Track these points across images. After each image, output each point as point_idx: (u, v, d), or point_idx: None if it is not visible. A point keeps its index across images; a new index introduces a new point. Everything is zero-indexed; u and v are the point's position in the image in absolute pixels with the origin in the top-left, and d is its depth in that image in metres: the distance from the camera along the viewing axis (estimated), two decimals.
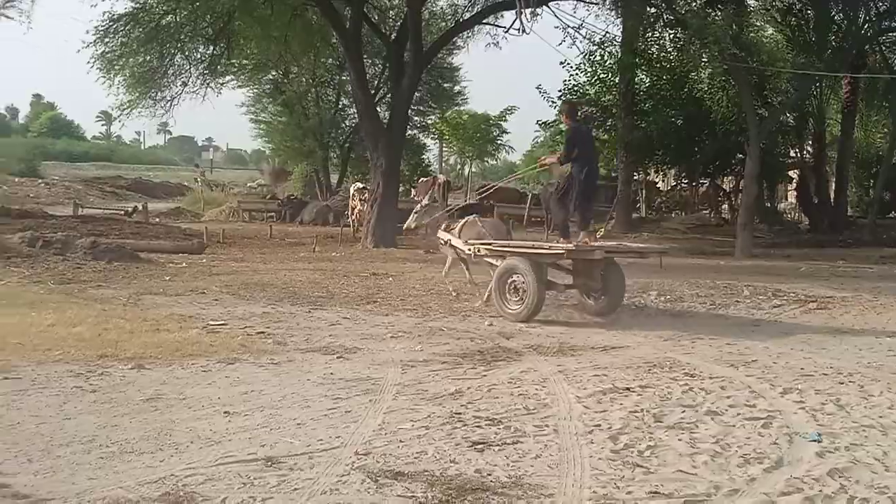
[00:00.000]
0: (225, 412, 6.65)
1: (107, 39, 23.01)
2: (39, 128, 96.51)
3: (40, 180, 44.60)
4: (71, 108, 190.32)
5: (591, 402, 7.13)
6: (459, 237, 12.95)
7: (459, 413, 6.66)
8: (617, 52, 30.17)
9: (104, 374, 7.80)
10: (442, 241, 13.44)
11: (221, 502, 4.80)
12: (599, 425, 6.43)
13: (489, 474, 5.32)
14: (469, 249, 12.61)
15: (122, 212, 28.85)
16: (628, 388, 7.63)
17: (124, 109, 25.42)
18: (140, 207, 29.65)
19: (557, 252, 11.56)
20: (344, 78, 36.91)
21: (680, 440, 6.11)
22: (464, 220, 13.37)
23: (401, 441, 5.94)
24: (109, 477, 5.19)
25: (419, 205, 14.47)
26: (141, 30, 22.91)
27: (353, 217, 25.75)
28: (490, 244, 12.40)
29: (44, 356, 8.35)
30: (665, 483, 5.25)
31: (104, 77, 23.80)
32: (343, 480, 5.15)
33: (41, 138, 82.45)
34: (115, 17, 22.98)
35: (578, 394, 7.39)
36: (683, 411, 6.88)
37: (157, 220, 28.98)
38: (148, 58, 24.07)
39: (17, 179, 42.88)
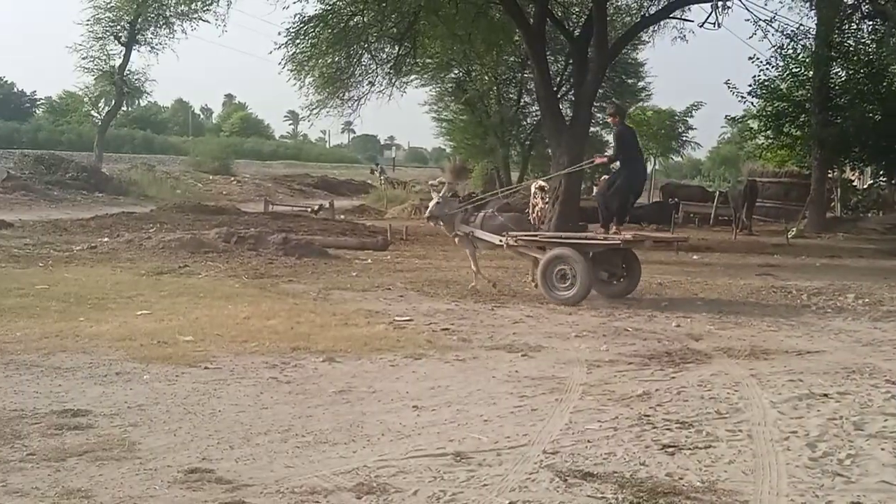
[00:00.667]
0: (413, 406, 6.82)
1: (297, 41, 23.88)
2: (231, 127, 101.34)
3: (233, 178, 46.74)
4: (260, 107, 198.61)
5: (787, 407, 6.90)
6: (482, 229, 13.88)
7: (648, 415, 6.57)
8: (811, 45, 28.93)
9: (297, 367, 8.13)
10: (462, 234, 14.05)
11: (413, 494, 4.92)
12: (796, 432, 6.22)
13: (681, 478, 5.24)
14: (509, 241, 13.42)
15: (310, 209, 29.86)
16: (825, 395, 7.33)
17: (313, 109, 26.35)
18: (326, 205, 30.62)
19: (614, 242, 12.90)
20: (526, 75, 37.00)
21: (882, 449, 5.84)
22: (482, 213, 14.34)
23: (589, 441, 5.92)
24: (305, 466, 5.41)
25: (437, 196, 14.57)
26: (330, 31, 23.64)
27: (535, 215, 25.76)
28: (535, 236, 13.94)
29: (241, 347, 8.78)
30: (867, 493, 5.04)
31: (295, 78, 24.73)
32: (532, 478, 5.18)
33: (233, 137, 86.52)
34: (306, 19, 23.83)
35: (773, 399, 7.16)
36: (886, 420, 6.56)
37: (342, 217, 29.84)
38: (336, 58, 24.82)
39: (211, 177, 45.11)
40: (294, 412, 6.60)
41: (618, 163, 13.88)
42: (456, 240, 14.41)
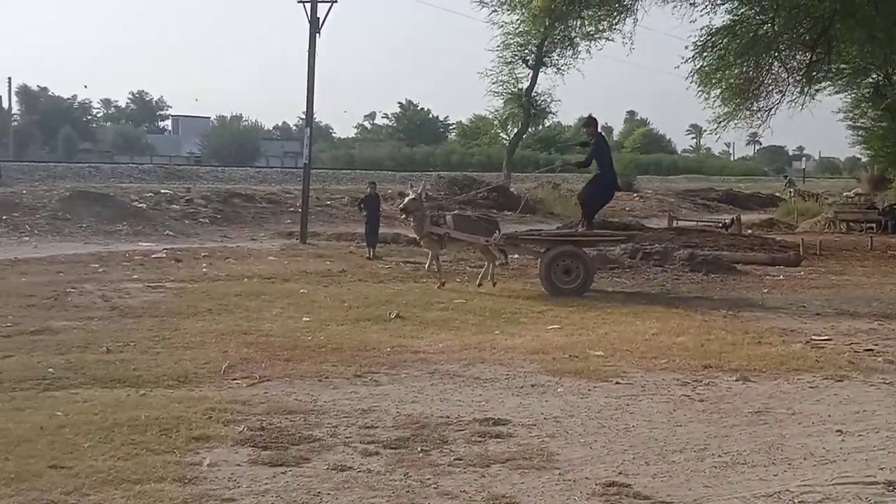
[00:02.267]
0: (837, 430, 6.48)
1: (704, 54, 23.62)
2: (633, 143, 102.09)
3: (635, 194, 47.03)
4: (662, 123, 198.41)
5: None
6: (455, 229, 14.36)
7: None
8: None
9: (710, 385, 8.02)
10: (430, 235, 14.41)
11: None
12: None
13: None
14: (498, 241, 14.34)
15: (717, 224, 29.29)
16: None
17: (720, 122, 25.87)
18: (734, 219, 29.86)
19: (623, 237, 17.22)
20: None
21: None
22: (450, 215, 14.91)
23: None
24: (724, 486, 5.33)
25: (413, 192, 15.01)
26: (738, 42, 23.15)
27: None
28: (539, 233, 15.83)
29: (651, 364, 8.82)
30: None
31: (701, 91, 24.46)
32: None
33: (634, 153, 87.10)
34: (713, 31, 23.51)
35: None
36: None
37: (750, 231, 28.93)
38: (744, 69, 24.23)
39: (615, 193, 45.77)
40: (709, 431, 6.52)
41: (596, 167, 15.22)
42: (422, 242, 14.92)
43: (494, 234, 14.46)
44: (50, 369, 7.96)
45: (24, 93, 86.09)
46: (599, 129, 15.93)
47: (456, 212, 16.06)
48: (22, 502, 4.84)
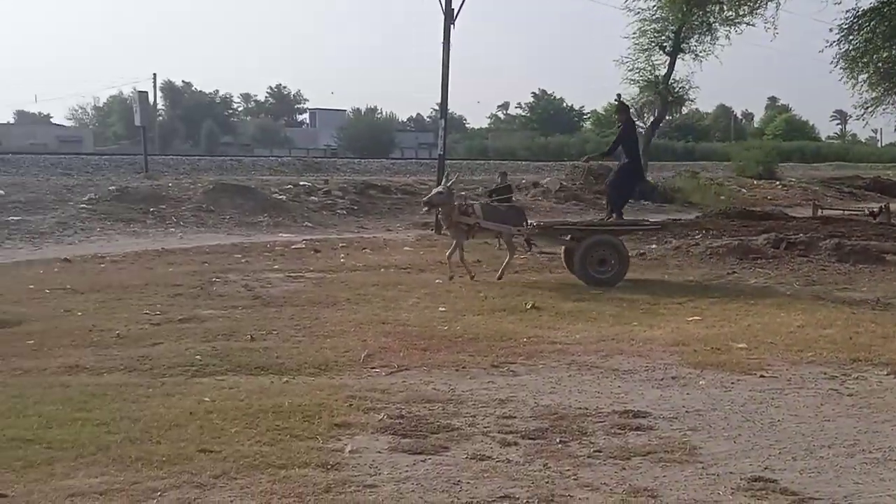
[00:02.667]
0: None
1: (850, 37, 22.76)
2: (774, 130, 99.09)
3: (777, 182, 45.68)
4: (805, 108, 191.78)
5: None
6: (485, 219, 14.07)
7: None
8: None
9: (859, 379, 7.74)
10: (465, 225, 14.02)
11: None
12: None
13: None
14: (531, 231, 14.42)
15: (864, 212, 28.16)
16: None
17: (867, 107, 24.89)
18: (882, 208, 28.66)
19: (655, 227, 17.10)
20: None
21: None
22: (477, 203, 14.67)
23: None
24: (875, 483, 5.15)
25: (442, 186, 14.60)
26: (886, 24, 22.21)
27: None
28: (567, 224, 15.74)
29: (796, 356, 8.55)
30: None
31: (847, 75, 23.58)
32: None
33: (776, 140, 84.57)
34: (860, 13, 22.62)
35: None
36: None
37: None
38: (893, 52, 23.23)
39: (755, 182, 44.51)
40: (859, 426, 6.29)
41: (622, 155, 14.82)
42: (450, 232, 14.51)
43: (522, 224, 14.40)
44: (197, 356, 8.26)
45: (169, 89, 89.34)
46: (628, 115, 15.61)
47: (483, 201, 15.86)
48: (174, 484, 5.04)
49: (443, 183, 14.63)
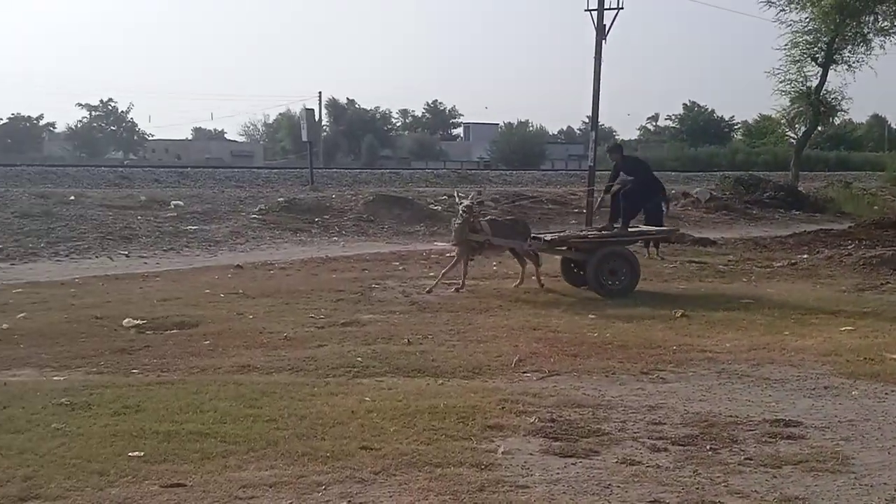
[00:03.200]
0: None
1: None
2: None
3: None
4: None
5: None
6: (494, 235, 13.43)
7: None
8: None
9: None
10: (476, 242, 13.47)
11: None
12: None
13: None
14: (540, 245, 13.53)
15: None
16: None
17: None
18: None
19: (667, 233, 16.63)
20: None
21: None
22: (484, 220, 13.82)
23: None
24: None
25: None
26: None
27: None
28: (576, 237, 14.35)
29: None
30: None
31: None
32: None
33: None
34: None
35: None
36: None
37: None
38: None
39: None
40: None
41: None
42: (458, 248, 13.76)
43: (528, 238, 13.73)
44: (358, 358, 8.45)
45: (333, 105, 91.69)
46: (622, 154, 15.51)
47: (489, 217, 15.06)
48: (337, 479, 5.16)
49: (470, 197, 13.95)
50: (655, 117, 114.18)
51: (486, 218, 14.34)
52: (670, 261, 17.67)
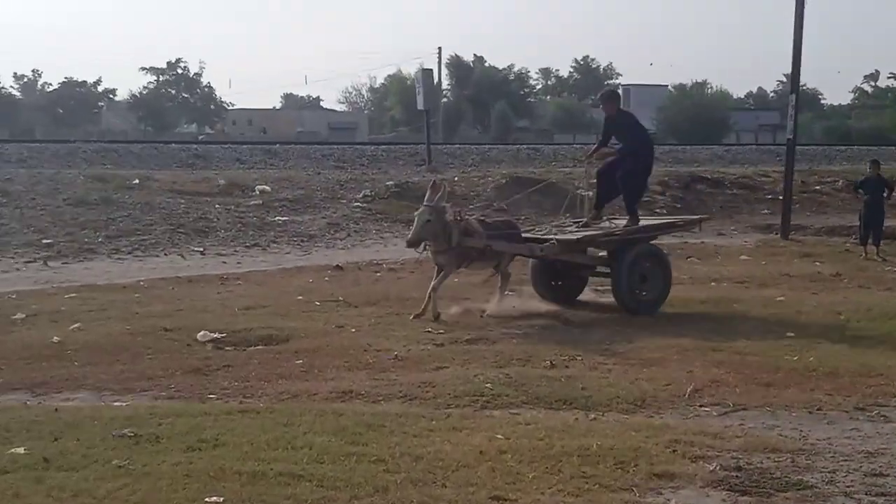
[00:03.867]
0: None
1: None
2: None
3: None
4: None
5: None
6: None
7: None
8: None
9: None
10: (475, 250, 12.63)
11: None
12: None
13: None
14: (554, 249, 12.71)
15: None
16: None
17: None
18: None
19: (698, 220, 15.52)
20: None
21: None
22: (473, 219, 13.10)
23: None
24: None
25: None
26: None
27: None
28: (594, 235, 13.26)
29: None
30: None
31: None
32: None
33: None
34: None
35: None
36: None
37: None
38: None
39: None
40: None
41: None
42: (440, 258, 12.55)
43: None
44: (488, 384, 8.49)
45: (456, 65, 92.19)
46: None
47: (476, 216, 13.72)
48: None
49: (425, 200, 12.66)
50: (875, 76, 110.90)
51: (474, 217, 13.49)
52: (894, 262, 17.21)
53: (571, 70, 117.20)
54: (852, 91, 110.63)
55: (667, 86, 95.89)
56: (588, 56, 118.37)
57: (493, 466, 6.23)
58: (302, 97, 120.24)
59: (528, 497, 5.70)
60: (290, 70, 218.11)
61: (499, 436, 6.89)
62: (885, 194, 19.17)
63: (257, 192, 24.49)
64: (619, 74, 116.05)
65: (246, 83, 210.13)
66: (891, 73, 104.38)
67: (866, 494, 5.86)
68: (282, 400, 8.16)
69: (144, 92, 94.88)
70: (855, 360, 9.50)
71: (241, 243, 19.96)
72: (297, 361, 9.48)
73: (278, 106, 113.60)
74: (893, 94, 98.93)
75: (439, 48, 74.84)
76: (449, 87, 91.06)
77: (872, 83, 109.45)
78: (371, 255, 18.60)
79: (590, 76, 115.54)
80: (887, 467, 6.36)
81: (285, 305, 12.71)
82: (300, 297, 13.31)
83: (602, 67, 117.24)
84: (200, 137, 60.82)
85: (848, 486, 6.00)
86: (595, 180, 14.03)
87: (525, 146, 42.93)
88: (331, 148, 36.84)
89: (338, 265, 16.89)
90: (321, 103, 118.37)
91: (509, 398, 8.11)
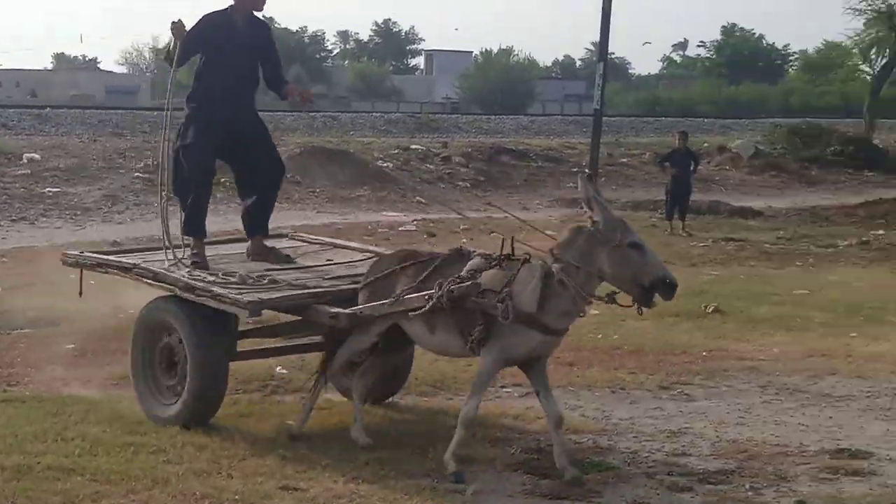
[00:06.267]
0: None
1: None
2: None
3: None
4: None
5: None
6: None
7: None
8: None
9: None
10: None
11: None
12: None
13: None
14: None
15: None
16: None
17: None
18: None
19: None
20: None
21: None
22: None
23: None
24: None
25: None
26: None
27: None
28: None
29: None
30: None
31: None
32: None
33: None
34: None
35: None
36: None
37: None
38: None
39: None
40: None
41: None
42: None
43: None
44: (278, 367, 8.44)
45: None
46: None
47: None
48: None
49: None
50: (684, 44, 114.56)
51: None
52: (699, 237, 17.83)
53: (371, 34, 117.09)
54: (661, 60, 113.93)
55: (472, 52, 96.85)
56: (389, 19, 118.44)
57: (284, 454, 6.21)
58: (77, 58, 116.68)
59: (321, 486, 5.72)
60: (62, 27, 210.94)
61: (290, 422, 6.87)
62: (692, 168, 19.76)
63: (25, 161, 23.68)
64: (421, 39, 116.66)
65: (9, 41, 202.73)
66: (700, 42, 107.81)
67: (668, 475, 6.06)
68: (52, 388, 7.95)
69: None
70: (659, 338, 9.84)
71: (6, 217, 19.28)
72: (69, 346, 9.26)
73: (50, 66, 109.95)
74: (702, 65, 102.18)
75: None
76: None
77: (681, 52, 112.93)
78: (153, 231, 18.17)
79: (391, 40, 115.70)
80: (690, 447, 6.61)
81: (56, 284, 12.34)
82: (73, 276, 12.94)
83: (404, 32, 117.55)
84: None
85: (650, 467, 6.21)
86: None
87: (321, 114, 42.72)
88: (108, 113, 35.78)
89: (115, 241, 16.47)
90: (98, 65, 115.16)
91: (301, 383, 8.05)
